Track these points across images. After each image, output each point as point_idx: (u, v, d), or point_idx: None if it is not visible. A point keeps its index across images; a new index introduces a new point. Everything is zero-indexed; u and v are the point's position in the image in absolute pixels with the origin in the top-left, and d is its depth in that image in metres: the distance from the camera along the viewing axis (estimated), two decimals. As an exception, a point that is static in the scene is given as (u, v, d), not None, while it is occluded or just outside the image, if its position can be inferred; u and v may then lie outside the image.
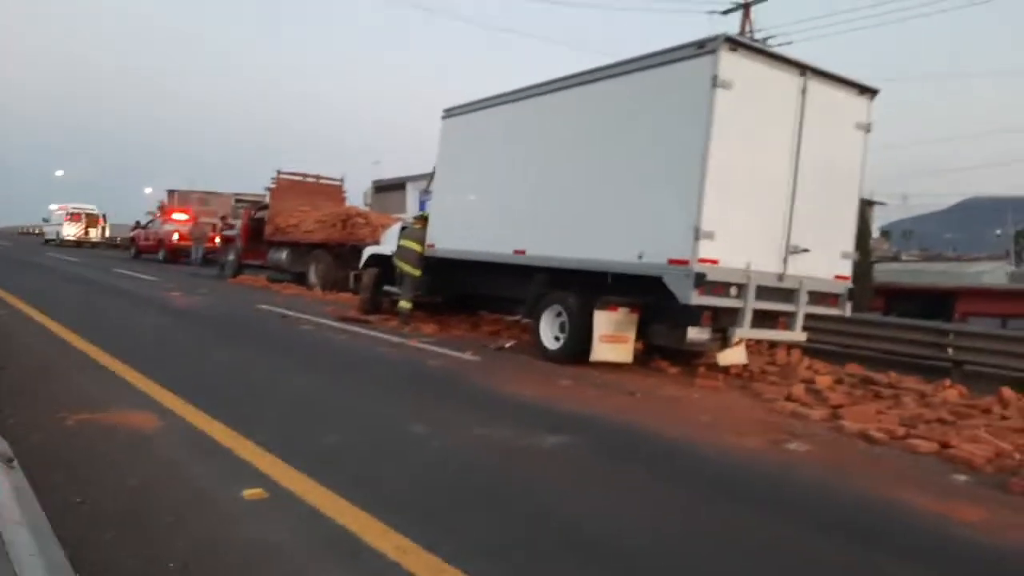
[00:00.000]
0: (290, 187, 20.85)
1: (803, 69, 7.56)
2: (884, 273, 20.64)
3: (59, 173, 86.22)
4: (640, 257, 7.57)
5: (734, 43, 7.12)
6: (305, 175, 21.70)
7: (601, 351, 8.11)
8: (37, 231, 45.94)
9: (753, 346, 9.87)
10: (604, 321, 8.12)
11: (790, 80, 7.51)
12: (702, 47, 7.12)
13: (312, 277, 18.67)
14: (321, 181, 21.85)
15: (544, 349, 8.86)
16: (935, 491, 4.36)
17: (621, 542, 3.13)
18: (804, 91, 7.56)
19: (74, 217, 39.45)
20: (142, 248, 29.20)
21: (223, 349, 8.02)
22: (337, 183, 22.17)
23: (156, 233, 28.51)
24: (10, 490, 1.31)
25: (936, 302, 18.56)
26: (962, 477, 4.76)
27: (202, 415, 4.68)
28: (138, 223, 31.63)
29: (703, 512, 3.69)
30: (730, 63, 6.99)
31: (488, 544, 2.98)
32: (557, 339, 8.77)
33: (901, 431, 5.82)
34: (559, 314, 8.79)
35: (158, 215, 29.93)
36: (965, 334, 10.38)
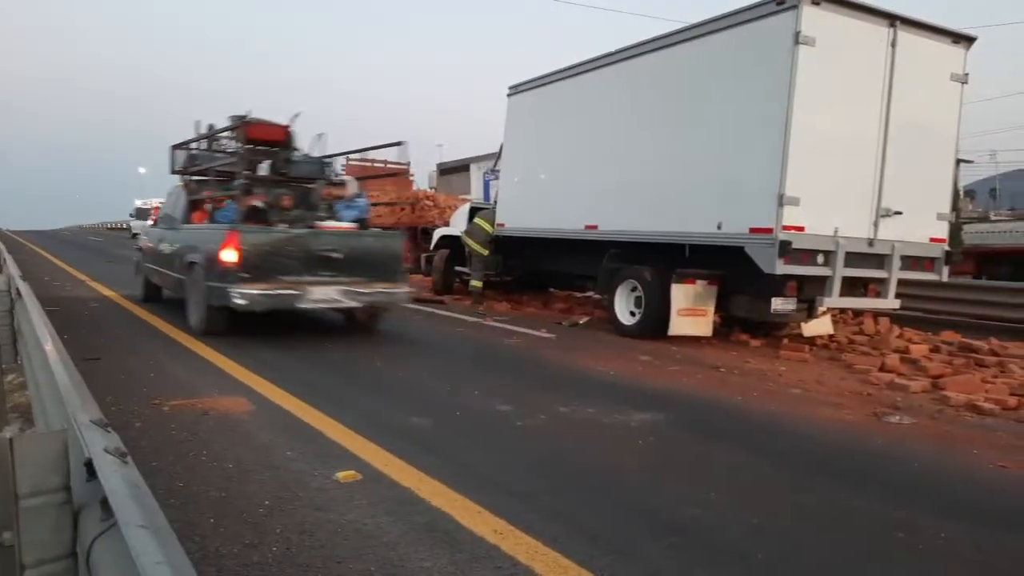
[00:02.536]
0: (359, 174, 21.17)
1: (892, 19, 7.08)
2: (972, 235, 19.47)
3: (142, 170, 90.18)
4: (720, 227, 7.31)
5: None
6: (373, 161, 21.99)
7: (680, 325, 7.91)
8: (125, 226, 48.23)
9: (837, 315, 9.44)
10: (682, 294, 7.91)
11: (878, 32, 7.04)
12: (782, 2, 6.74)
13: (383, 260, 18.90)
14: (388, 166, 22.11)
15: (620, 325, 8.71)
16: (1060, 466, 4.03)
17: (722, 527, 3.00)
18: (893, 43, 7.08)
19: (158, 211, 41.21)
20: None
21: (305, 333, 8.18)
22: (404, 167, 22.39)
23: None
24: (127, 489, 1.28)
25: (1034, 263, 17.35)
26: (1089, 450, 4.40)
27: (291, 398, 4.77)
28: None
29: (810, 493, 3.49)
30: (812, 17, 6.59)
31: (584, 526, 2.90)
32: (633, 314, 8.61)
33: (1013, 401, 5.45)
34: (634, 289, 8.61)
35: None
36: (1074, 296, 9.66)
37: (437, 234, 13.53)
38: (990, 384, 6.07)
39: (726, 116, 7.47)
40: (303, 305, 7.05)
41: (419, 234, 17.10)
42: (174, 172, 9.41)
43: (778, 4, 6.80)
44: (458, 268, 12.44)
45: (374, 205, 19.60)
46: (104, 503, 1.36)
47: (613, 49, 9.15)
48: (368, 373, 5.98)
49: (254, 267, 6.73)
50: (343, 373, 5.98)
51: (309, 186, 8.97)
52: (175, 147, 9.51)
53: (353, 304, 7.34)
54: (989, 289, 10.76)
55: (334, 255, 7.06)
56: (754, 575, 2.57)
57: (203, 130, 8.91)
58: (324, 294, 7.02)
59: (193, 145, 9.44)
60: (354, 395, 5.10)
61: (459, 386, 5.52)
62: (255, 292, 6.68)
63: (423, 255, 14.34)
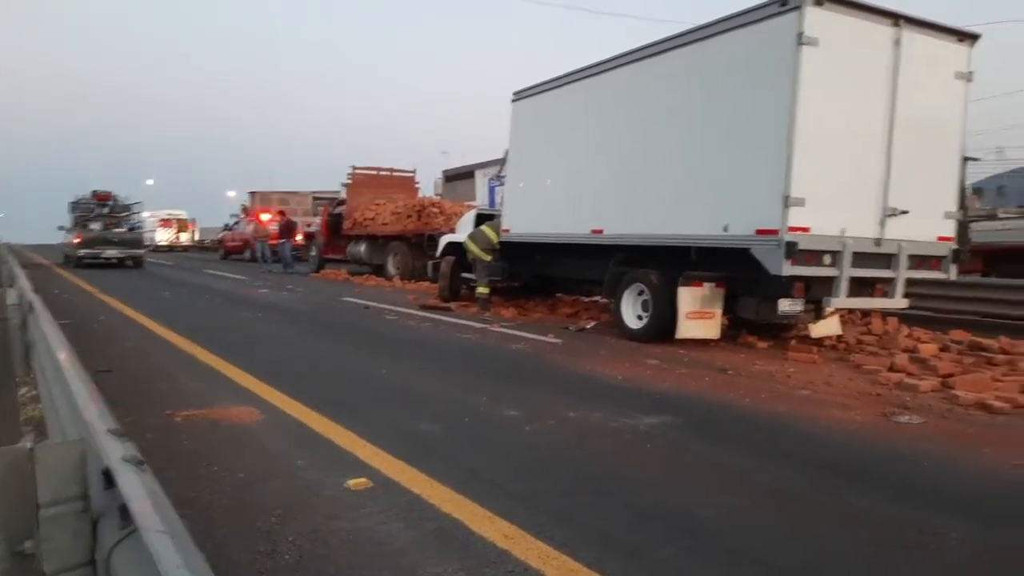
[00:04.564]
0: (365, 181, 21.30)
1: (896, 18, 7.08)
2: (980, 232, 19.41)
3: (149, 182, 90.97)
4: (726, 229, 7.31)
5: None
6: (379, 169, 22.09)
7: (687, 328, 7.91)
8: None
9: (845, 316, 9.42)
10: (689, 297, 7.90)
11: (882, 31, 7.04)
12: (785, 3, 6.76)
13: (391, 268, 19.03)
14: (394, 174, 22.20)
15: (627, 328, 8.72)
16: (1072, 464, 4.02)
17: (735, 531, 3.01)
18: (898, 42, 7.08)
19: (165, 223, 41.51)
20: (229, 249, 30.43)
21: (314, 342, 8.23)
22: (410, 174, 22.48)
23: (242, 234, 29.63)
24: (146, 496, 1.31)
25: (1043, 260, 17.28)
26: (1102, 448, 4.38)
27: (301, 407, 4.80)
28: (227, 225, 32.96)
29: (822, 495, 3.49)
30: (816, 18, 6.61)
31: (595, 530, 2.91)
32: (640, 318, 8.61)
33: (1021, 399, 5.41)
34: (641, 292, 8.62)
35: (243, 216, 31.08)
36: (1085, 292, 9.60)
37: (443, 241, 13.58)
38: (1000, 382, 6.04)
39: (731, 118, 7.49)
40: (103, 257, 21.85)
41: (425, 241, 17.16)
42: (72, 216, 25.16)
43: (781, 5, 6.82)
44: (465, 275, 12.47)
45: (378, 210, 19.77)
46: (123, 510, 1.38)
47: (616, 54, 9.19)
48: (376, 381, 6.01)
49: (87, 244, 22.08)
50: (350, 381, 6.01)
51: (121, 215, 25.44)
52: (72, 203, 25.53)
53: (121, 257, 22.24)
54: (998, 287, 10.71)
55: (115, 240, 22.60)
56: (765, 577, 2.57)
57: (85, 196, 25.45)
58: (110, 254, 22.02)
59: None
60: (362, 403, 5.13)
61: (466, 392, 5.54)
62: (86, 251, 21.82)
63: (429, 262, 14.39)
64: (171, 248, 40.18)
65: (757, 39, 7.15)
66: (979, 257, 17.06)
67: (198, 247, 41.68)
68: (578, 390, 5.72)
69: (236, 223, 31.43)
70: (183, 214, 43.02)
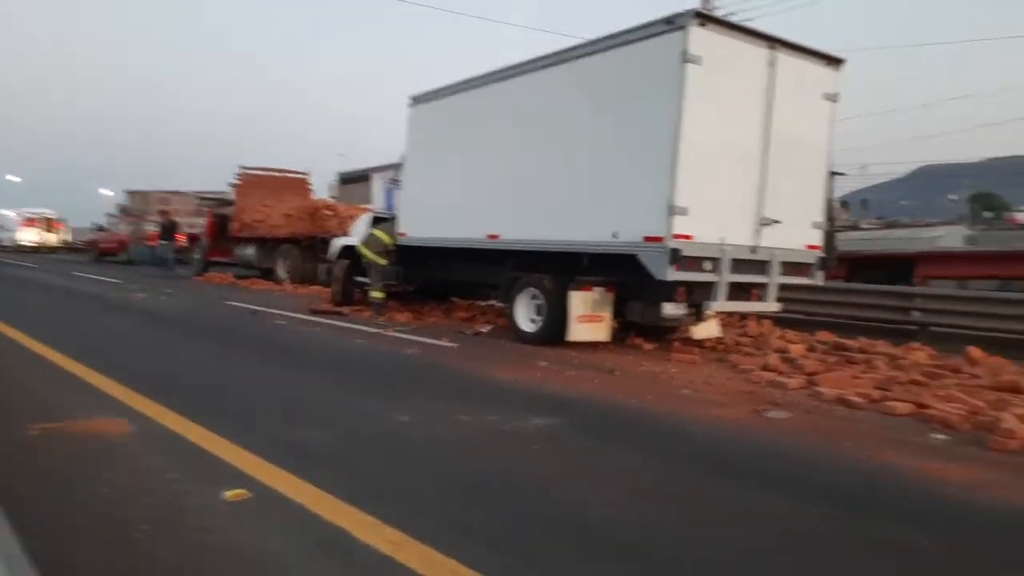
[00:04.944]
0: (254, 183, 20.50)
1: (772, 42, 7.57)
2: (845, 242, 21.10)
3: (14, 178, 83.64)
4: (615, 236, 7.56)
5: (703, 18, 7.09)
6: (269, 170, 21.32)
7: (578, 331, 8.10)
8: None
9: (725, 318, 9.94)
10: (580, 301, 8.11)
11: (759, 53, 7.51)
12: (671, 23, 7.08)
13: (281, 272, 18.40)
14: (286, 175, 21.49)
15: (520, 332, 8.83)
16: (917, 452, 4.42)
17: (621, 526, 3.10)
18: (773, 64, 7.57)
19: (31, 222, 38.30)
20: (103, 251, 28.47)
21: (194, 348, 7.81)
22: (302, 176, 21.83)
23: (119, 235, 27.79)
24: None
25: (896, 267, 18.99)
26: (940, 436, 4.84)
27: (175, 417, 4.53)
28: (99, 226, 30.84)
29: (700, 490, 3.66)
30: (699, 38, 6.96)
31: (483, 533, 2.92)
32: (533, 322, 8.74)
33: (877, 394, 5.91)
34: (534, 297, 8.75)
35: (119, 216, 29.20)
36: (931, 297, 10.62)
37: (336, 244, 13.26)
38: (859, 379, 6.56)
39: (620, 129, 7.75)
40: None
41: (317, 244, 16.71)
42: None
43: (667, 24, 7.14)
44: (358, 279, 12.22)
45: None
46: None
47: (512, 63, 9.31)
48: (260, 388, 5.77)
49: None
50: (233, 389, 5.74)
51: None
52: None
53: None
54: (860, 292, 11.62)
55: None
56: (652, 573, 2.66)
57: None
58: None
59: None
60: (244, 412, 4.91)
61: (356, 398, 5.42)
62: None
63: (322, 266, 14.02)
64: (36, 249, 37.06)
65: (645, 55, 7.45)
66: (844, 264, 18.56)
67: (68, 248, 38.67)
68: (471, 394, 5.72)
69: (112, 223, 29.45)
70: (51, 213, 39.78)
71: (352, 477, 3.54)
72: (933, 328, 10.19)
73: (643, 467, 4.01)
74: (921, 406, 5.48)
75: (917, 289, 11.33)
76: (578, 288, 8.11)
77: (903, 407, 5.46)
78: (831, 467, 4.11)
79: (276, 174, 21.27)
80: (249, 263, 20.10)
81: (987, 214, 37.08)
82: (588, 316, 8.16)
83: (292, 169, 21.76)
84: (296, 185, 21.25)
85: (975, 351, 7.70)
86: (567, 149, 8.46)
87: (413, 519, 2.97)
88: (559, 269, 8.46)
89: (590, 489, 3.55)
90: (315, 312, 11.26)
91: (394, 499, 3.25)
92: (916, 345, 8.54)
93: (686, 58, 6.93)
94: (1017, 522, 3.38)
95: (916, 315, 10.42)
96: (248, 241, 19.89)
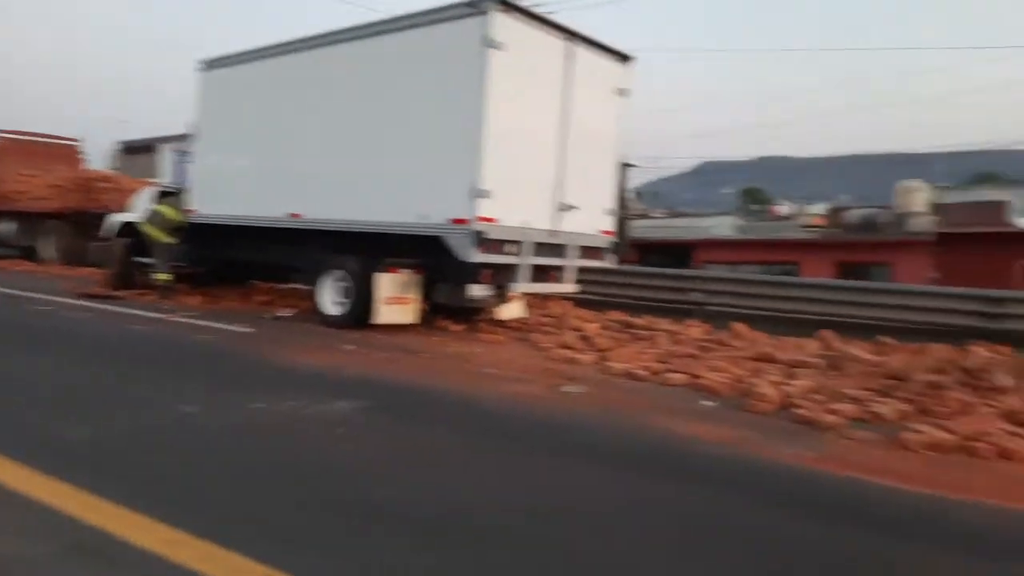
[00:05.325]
0: (12, 148, 17.82)
1: (570, 35, 7.92)
2: (637, 229, 23.10)
3: None
4: (421, 218, 7.55)
5: (505, 4, 7.23)
6: (32, 135, 18.63)
7: (385, 313, 8.01)
8: None
9: (530, 299, 10.37)
10: (387, 283, 8.02)
11: (558, 44, 7.83)
12: (473, 6, 7.16)
13: (45, 251, 16.23)
14: (53, 142, 18.91)
15: (326, 316, 8.55)
16: (688, 417, 4.92)
17: (418, 505, 3.11)
18: (570, 56, 7.94)
19: None
20: None
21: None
22: (72, 144, 19.33)
23: None
24: None
25: (679, 253, 21.20)
26: (709, 403, 5.43)
27: None
28: None
29: (501, 462, 3.80)
30: (502, 24, 7.11)
31: (276, 525, 2.78)
32: (339, 304, 8.50)
33: (658, 367, 6.48)
34: (340, 279, 8.51)
35: None
36: (704, 279, 11.83)
37: (113, 221, 11.91)
38: (643, 354, 7.16)
39: (425, 111, 7.74)
40: None
41: (91, 219, 14.92)
42: None
43: (469, 7, 7.21)
44: (140, 259, 11.08)
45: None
46: None
47: (314, 33, 8.90)
48: (16, 381, 5.05)
49: None
50: (-20, 384, 4.97)
51: None
52: None
53: None
54: (647, 275, 12.65)
55: None
56: (451, 551, 2.70)
57: None
58: None
59: None
60: (-6, 409, 4.27)
61: (135, 389, 4.94)
62: None
63: (95, 244, 12.56)
64: None
65: (448, 37, 7.49)
66: (636, 250, 20.26)
67: None
68: (269, 380, 5.45)
69: None
70: None
71: (126, 477, 3.21)
72: (708, 307, 11.38)
73: (444, 445, 4.07)
74: (694, 376, 6.10)
75: (693, 272, 12.59)
76: (385, 270, 8.01)
77: (678, 378, 6.06)
78: (613, 433, 4.47)
79: (40, 140, 18.64)
80: (7, 241, 17.49)
81: (754, 207, 42.13)
82: (396, 298, 8.09)
83: (60, 135, 19.20)
84: (65, 153, 18.79)
85: (739, 326, 8.72)
86: (372, 128, 8.28)
87: (193, 516, 2.75)
88: (366, 250, 8.29)
89: (392, 470, 3.53)
90: (85, 296, 10.05)
91: (173, 496, 3.00)
92: (693, 322, 9.48)
93: (489, 43, 7.05)
94: (757, 470, 3.89)
95: (694, 295, 11.56)
96: (5, 215, 17.29)
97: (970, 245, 17.31)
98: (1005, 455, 4.25)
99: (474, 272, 7.63)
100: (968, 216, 19.76)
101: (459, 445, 4.08)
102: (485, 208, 7.22)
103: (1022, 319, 8.56)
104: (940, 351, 6.98)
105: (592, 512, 3.15)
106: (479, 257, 7.25)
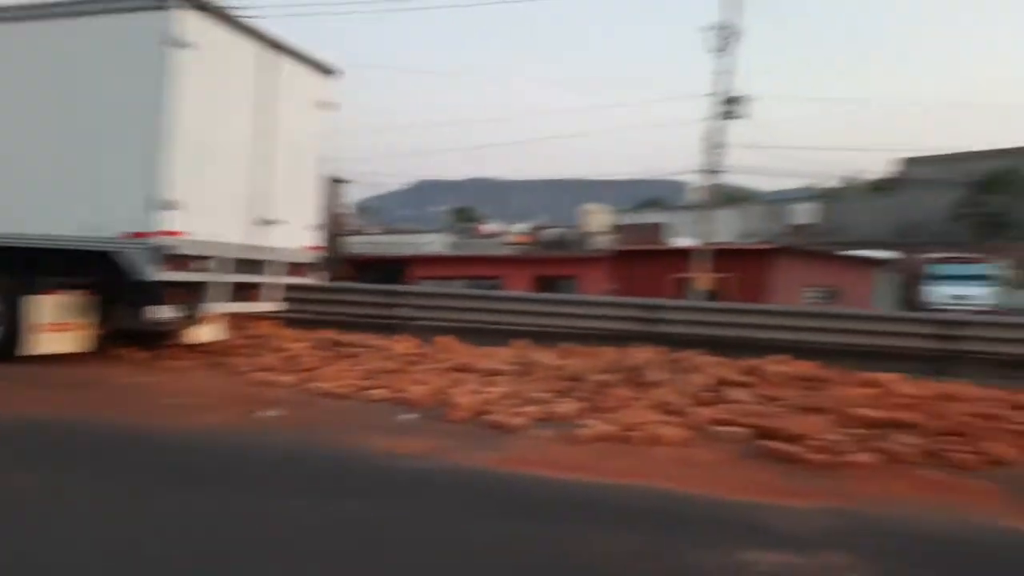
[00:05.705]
0: None
1: (269, 42, 7.56)
2: (353, 245, 23.05)
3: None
4: (89, 230, 6.62)
5: (195, 3, 6.64)
6: None
7: (44, 343, 6.86)
8: None
9: (234, 320, 9.66)
10: (47, 307, 6.87)
11: (256, 51, 7.43)
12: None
13: None
14: None
15: (-37, 348, 7.01)
16: (385, 431, 4.97)
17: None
18: (269, 64, 7.58)
19: None
20: None
21: None
22: None
23: None
24: None
25: (394, 269, 21.59)
26: (409, 416, 5.54)
27: None
28: None
29: (157, 499, 3.43)
30: (192, 22, 6.56)
31: None
32: (-16, 333, 7.04)
33: (361, 384, 6.45)
34: (-16, 302, 7.05)
35: None
36: (413, 294, 12.14)
37: None
38: (349, 372, 7.07)
39: (98, 109, 6.81)
40: None
41: None
42: None
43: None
44: None
45: None
46: None
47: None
48: None
49: None
50: None
51: None
52: None
53: None
54: (358, 291, 12.58)
55: None
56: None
57: None
58: None
59: None
60: None
61: None
62: None
63: None
64: None
65: (129, 30, 6.71)
66: (351, 266, 20.10)
67: None
68: None
69: None
70: None
71: None
72: (417, 321, 11.66)
73: (109, 489, 3.57)
74: (397, 391, 6.19)
75: (402, 287, 12.85)
76: (44, 291, 6.84)
77: (380, 393, 6.10)
78: (307, 455, 4.34)
79: None
80: None
81: (464, 225, 44.49)
82: (57, 325, 6.94)
83: None
84: None
85: (445, 339, 9.06)
86: (27, 125, 7.05)
87: None
88: (20, 267, 7.00)
89: (43, 523, 2.99)
90: None
91: None
92: (402, 337, 9.63)
93: (176, 41, 6.44)
94: (447, 476, 4.06)
95: (403, 311, 11.77)
96: None
97: (637, 260, 20.26)
98: (656, 441, 4.98)
99: (156, 292, 6.87)
100: (636, 236, 23.62)
101: (119, 485, 3.61)
102: (171, 221, 6.54)
103: (673, 323, 10.18)
104: (609, 353, 7.98)
105: (272, 540, 2.99)
106: (161, 275, 6.54)
